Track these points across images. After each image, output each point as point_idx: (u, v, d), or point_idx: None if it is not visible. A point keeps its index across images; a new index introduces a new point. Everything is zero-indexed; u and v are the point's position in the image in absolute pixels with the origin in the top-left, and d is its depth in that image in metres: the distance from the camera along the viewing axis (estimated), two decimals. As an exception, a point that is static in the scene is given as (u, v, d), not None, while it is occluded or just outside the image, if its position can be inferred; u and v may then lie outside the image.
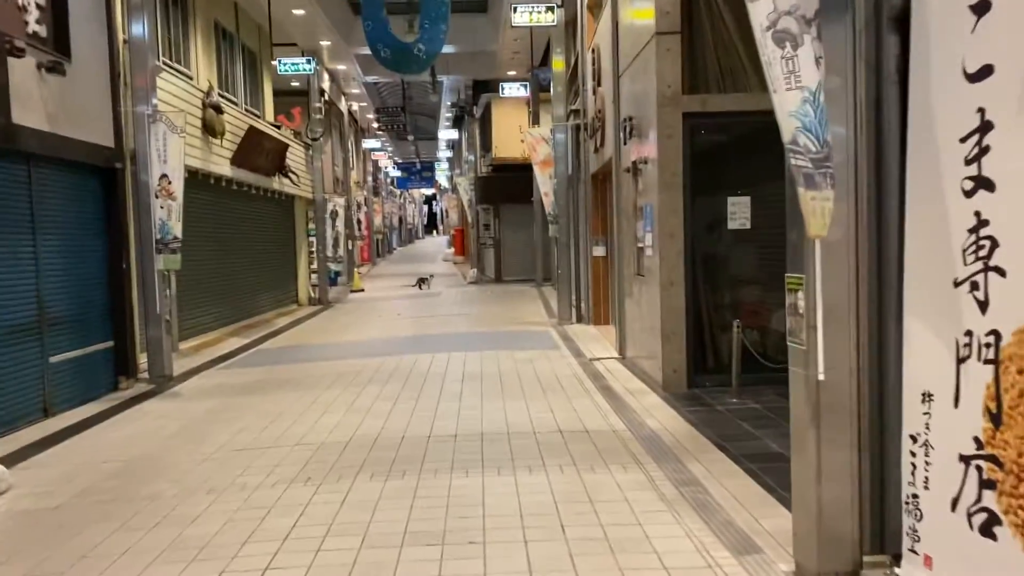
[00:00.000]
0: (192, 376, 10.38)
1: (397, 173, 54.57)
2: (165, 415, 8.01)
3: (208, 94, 12.72)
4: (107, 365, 9.68)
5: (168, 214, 9.81)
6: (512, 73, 23.03)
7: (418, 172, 56.32)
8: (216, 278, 14.08)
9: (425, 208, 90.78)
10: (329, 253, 20.63)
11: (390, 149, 50.90)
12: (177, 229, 9.84)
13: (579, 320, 14.02)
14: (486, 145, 26.74)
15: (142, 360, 10.17)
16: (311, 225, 21.29)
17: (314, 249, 20.80)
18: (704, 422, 6.66)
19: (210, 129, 12.58)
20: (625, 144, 9.16)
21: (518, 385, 8.66)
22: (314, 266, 20.90)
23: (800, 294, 3.56)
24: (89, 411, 8.41)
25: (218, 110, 12.74)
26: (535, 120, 20.36)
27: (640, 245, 8.94)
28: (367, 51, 22.34)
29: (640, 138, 8.63)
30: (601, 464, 5.61)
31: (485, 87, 25.19)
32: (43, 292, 8.28)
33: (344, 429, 6.94)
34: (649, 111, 8.20)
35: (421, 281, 23.77)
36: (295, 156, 18.86)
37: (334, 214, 20.72)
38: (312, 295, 20.44)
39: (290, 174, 17.49)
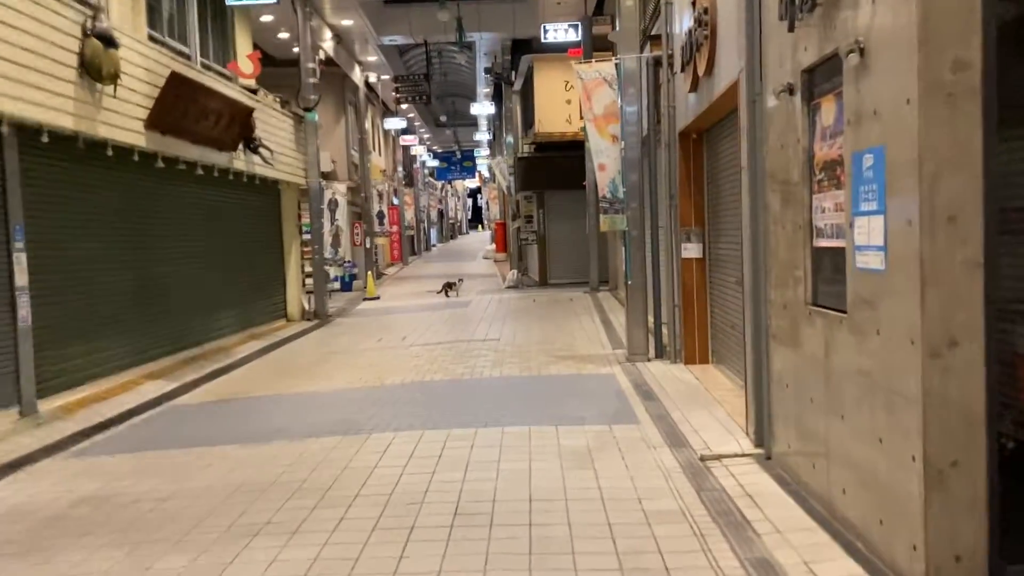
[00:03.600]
0: (16, 470, 6.02)
1: (435, 163, 50.19)
2: None
3: (95, 16, 8.31)
4: None
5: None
6: (559, 26, 18.29)
7: (458, 162, 51.85)
8: (130, 296, 9.72)
9: (470, 201, 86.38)
10: (327, 254, 16.22)
11: (427, 137, 46.59)
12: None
13: (660, 355, 9.31)
14: (528, 120, 22.10)
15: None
16: (306, 220, 16.96)
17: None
18: None
19: (93, 69, 8.18)
20: (792, 29, 4.40)
21: (566, 550, 4.00)
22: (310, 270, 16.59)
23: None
24: None
25: (108, 42, 8.32)
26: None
27: (830, 243, 4.22)
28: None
29: (835, 4, 3.89)
30: None
31: (527, 47, 20.52)
32: None
33: None
34: (877, -74, 3.46)
35: (448, 287, 19.25)
36: (275, 128, 14.47)
37: (333, 204, 16.31)
38: (306, 307, 16.07)
39: (262, 149, 13.08)
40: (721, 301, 8.32)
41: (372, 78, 24.18)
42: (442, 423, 6.68)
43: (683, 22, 8.14)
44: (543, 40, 15.76)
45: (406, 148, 37.96)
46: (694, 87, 7.65)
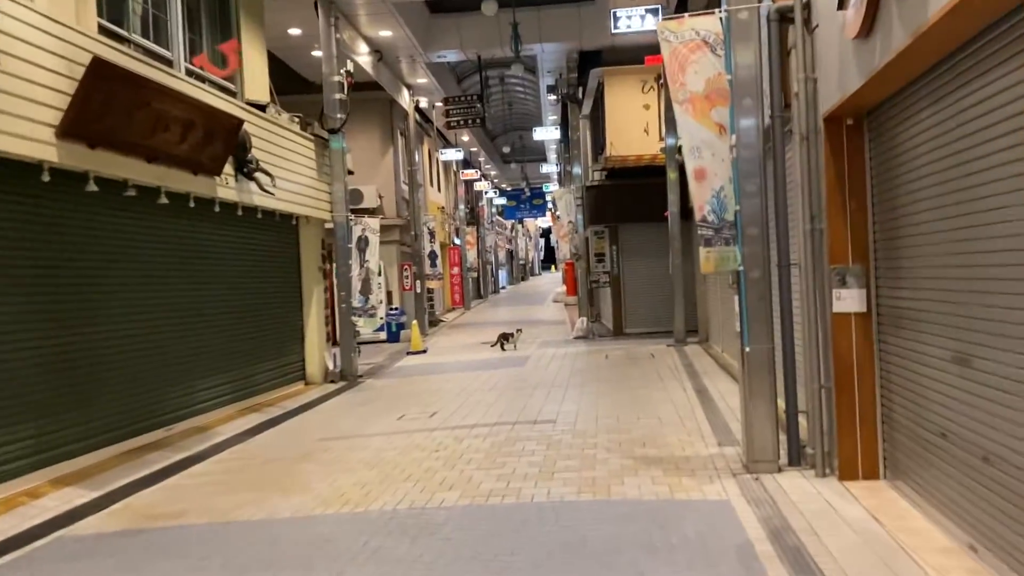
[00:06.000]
0: None
1: (502, 201, 47.61)
2: None
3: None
4: None
5: None
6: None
7: (528, 200, 49.16)
8: (44, 368, 7.05)
9: (542, 241, 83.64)
10: (356, 302, 13.48)
11: (494, 173, 44.17)
12: None
13: (797, 461, 6.06)
14: (598, 144, 19.15)
15: None
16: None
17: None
18: None
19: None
20: None
21: None
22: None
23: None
24: None
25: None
26: (667, 86, 12.65)
27: None
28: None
29: None
30: None
31: (595, 60, 17.64)
32: None
33: None
34: None
35: (504, 339, 16.29)
36: (290, 152, 11.91)
37: (363, 242, 13.59)
38: (331, 367, 13.31)
39: (259, 174, 10.47)
40: (908, 384, 5.06)
41: (423, 103, 21.69)
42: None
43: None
44: (613, 30, 12.69)
45: (469, 184, 35.47)
46: (866, 28, 4.52)
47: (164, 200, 8.72)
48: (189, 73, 9.80)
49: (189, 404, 9.49)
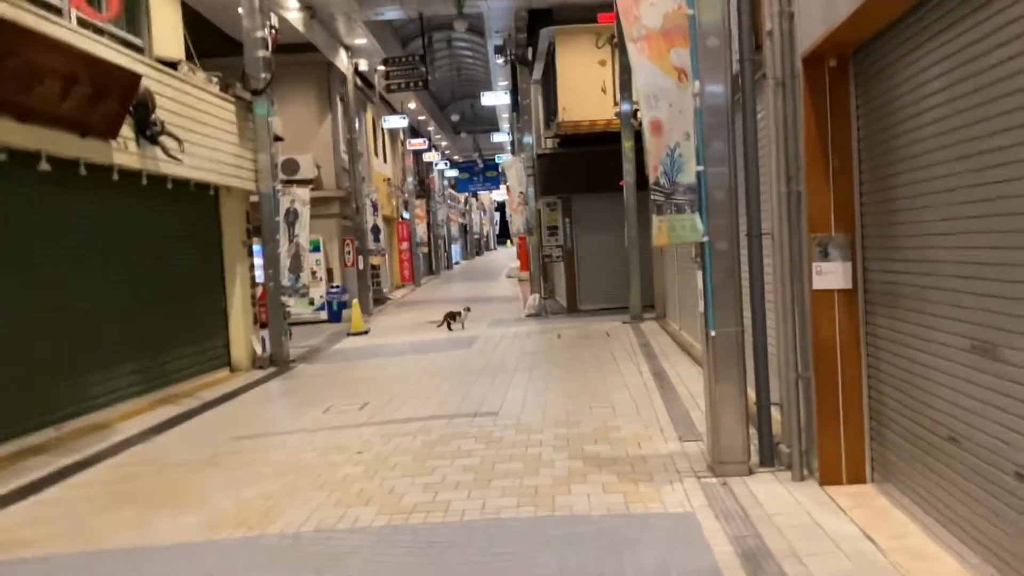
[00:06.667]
0: None
1: (454, 173, 46.33)
2: None
3: None
4: None
5: None
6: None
7: (481, 172, 47.92)
8: None
9: (497, 215, 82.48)
10: (286, 281, 12.38)
11: (444, 144, 42.89)
12: None
13: (770, 461, 5.26)
14: (550, 110, 18.20)
15: None
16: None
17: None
18: None
19: None
20: None
21: None
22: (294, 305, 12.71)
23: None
24: None
25: None
26: (622, 47, 11.74)
27: None
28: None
29: None
30: None
31: (546, 19, 16.61)
32: None
33: None
34: None
35: (450, 318, 15.34)
36: (207, 115, 10.73)
37: (292, 215, 12.46)
38: (260, 352, 12.23)
39: (164, 138, 9.30)
40: (903, 375, 4.26)
41: (363, 66, 20.42)
42: None
43: None
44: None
45: (418, 155, 34.22)
46: (862, -63, 3.64)
47: (46, 167, 7.55)
48: (83, 24, 8.58)
49: (85, 398, 8.39)
